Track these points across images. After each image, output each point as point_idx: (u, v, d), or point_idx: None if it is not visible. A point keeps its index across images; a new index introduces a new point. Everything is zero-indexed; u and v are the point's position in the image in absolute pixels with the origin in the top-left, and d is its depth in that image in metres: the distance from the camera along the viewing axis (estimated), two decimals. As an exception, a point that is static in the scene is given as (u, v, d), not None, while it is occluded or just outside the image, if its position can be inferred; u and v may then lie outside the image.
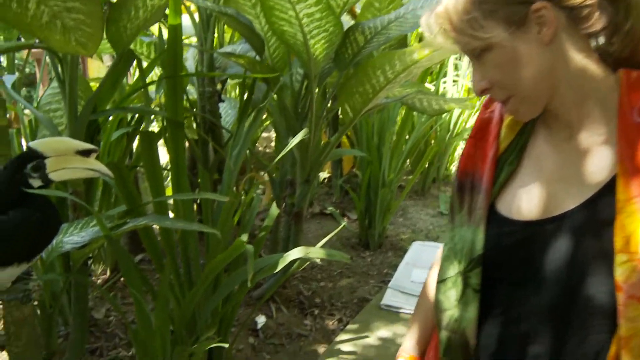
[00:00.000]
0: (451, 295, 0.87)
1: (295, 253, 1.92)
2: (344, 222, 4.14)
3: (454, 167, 5.62)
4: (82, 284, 1.95)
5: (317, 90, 2.58)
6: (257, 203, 2.13)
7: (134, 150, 2.98)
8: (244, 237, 2.12)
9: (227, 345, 1.77)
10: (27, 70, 6.03)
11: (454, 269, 0.86)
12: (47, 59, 2.41)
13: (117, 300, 2.84)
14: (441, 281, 0.89)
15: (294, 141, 1.92)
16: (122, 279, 3.06)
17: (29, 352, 1.66)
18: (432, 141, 5.00)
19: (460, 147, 5.45)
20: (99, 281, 3.05)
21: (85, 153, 1.39)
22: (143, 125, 2.74)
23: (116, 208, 2.59)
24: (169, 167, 1.95)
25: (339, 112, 3.44)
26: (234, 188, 2.10)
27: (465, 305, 0.85)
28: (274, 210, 2.11)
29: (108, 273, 3.10)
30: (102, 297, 2.85)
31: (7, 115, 1.63)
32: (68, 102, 1.90)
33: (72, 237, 1.77)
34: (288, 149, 1.94)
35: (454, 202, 0.91)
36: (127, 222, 1.76)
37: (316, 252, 1.95)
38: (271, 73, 2.39)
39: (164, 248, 1.99)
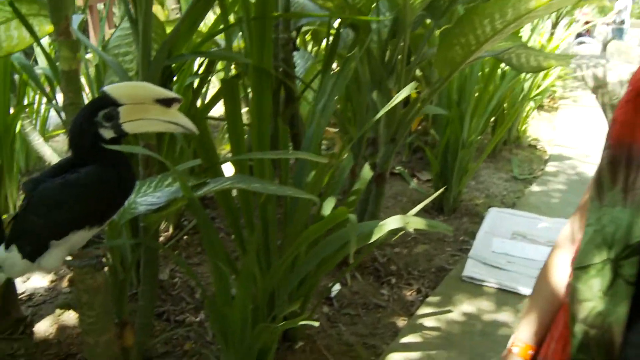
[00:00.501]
0: (594, 285, 0.77)
1: (392, 222, 1.68)
2: (413, 183, 3.88)
3: (524, 129, 5.29)
4: (153, 248, 1.76)
5: (408, 39, 2.29)
6: (349, 165, 1.89)
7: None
8: (331, 202, 1.90)
9: (317, 324, 1.57)
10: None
11: (600, 256, 0.77)
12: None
13: (180, 259, 2.69)
14: (581, 267, 0.79)
15: (400, 96, 1.65)
16: (185, 237, 2.90)
17: (101, 321, 1.49)
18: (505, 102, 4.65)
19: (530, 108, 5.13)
20: (161, 239, 2.90)
21: (166, 102, 1.21)
22: (222, 74, 2.52)
23: (187, 162, 2.42)
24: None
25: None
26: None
27: (613, 298, 0.75)
28: (367, 172, 1.87)
29: (171, 230, 2.95)
30: (166, 256, 2.69)
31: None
32: (141, 45, 1.67)
33: (146, 198, 1.58)
34: (392, 105, 1.67)
35: (603, 177, 0.80)
36: (207, 182, 1.56)
37: (416, 222, 1.70)
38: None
39: (243, 212, 1.79)
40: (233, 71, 2.77)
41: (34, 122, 3.52)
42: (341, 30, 2.36)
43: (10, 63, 2.41)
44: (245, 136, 1.85)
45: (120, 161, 1.26)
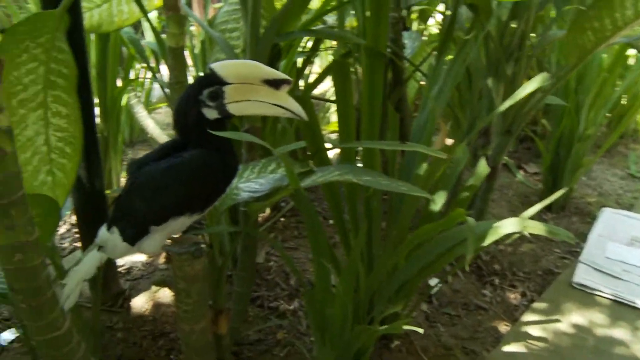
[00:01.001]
0: None
1: (509, 225, 1.51)
2: (520, 175, 3.62)
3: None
4: (253, 235, 1.69)
5: (532, 21, 2.07)
6: (464, 159, 1.72)
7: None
8: (441, 197, 1.75)
9: (421, 330, 1.44)
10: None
11: None
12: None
13: (277, 243, 2.63)
14: None
15: (528, 87, 1.46)
16: (282, 219, 2.85)
17: (197, 309, 1.43)
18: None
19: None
20: (259, 219, 2.85)
21: (275, 84, 1.13)
22: (326, 52, 2.43)
23: (290, 145, 2.35)
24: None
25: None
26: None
27: None
28: (483, 167, 1.69)
29: (268, 211, 2.89)
30: (262, 238, 2.64)
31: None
32: (250, 21, 1.59)
33: (249, 184, 1.50)
34: (518, 95, 1.48)
35: None
36: (314, 170, 1.46)
37: (534, 227, 1.52)
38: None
39: (347, 203, 1.68)
40: (340, 51, 2.66)
41: (139, 94, 3.58)
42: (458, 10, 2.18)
43: (119, 37, 2.41)
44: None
45: (225, 145, 1.19)
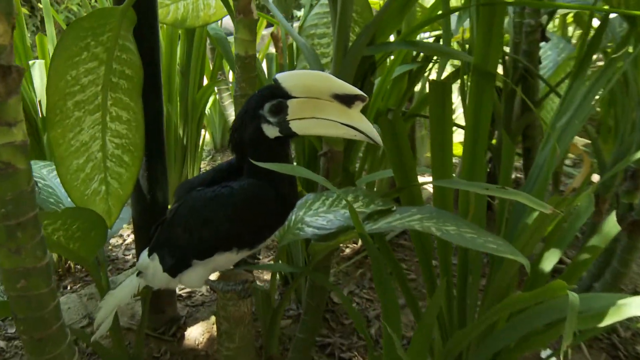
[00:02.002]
0: None
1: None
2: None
3: None
4: (322, 277, 1.70)
5: None
6: (588, 210, 1.61)
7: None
8: (554, 255, 1.66)
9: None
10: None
11: None
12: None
13: (364, 281, 2.62)
14: None
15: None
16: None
17: (240, 356, 1.46)
18: None
19: None
20: (346, 250, 2.86)
21: (347, 100, 1.15)
22: (432, 65, 2.41)
23: (374, 174, 2.35)
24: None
25: None
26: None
27: None
28: (612, 225, 1.57)
29: (360, 242, 2.89)
30: (348, 273, 2.65)
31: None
32: (338, 27, 1.59)
33: (317, 219, 1.51)
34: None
35: None
36: (393, 209, 1.44)
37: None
38: None
39: (438, 252, 1.65)
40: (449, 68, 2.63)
41: (232, 94, 3.73)
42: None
43: (206, 33, 2.52)
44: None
45: (281, 174, 1.21)
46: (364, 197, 1.60)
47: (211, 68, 3.10)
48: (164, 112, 1.94)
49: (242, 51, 1.39)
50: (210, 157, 4.30)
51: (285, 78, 1.16)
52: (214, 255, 1.27)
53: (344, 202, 1.57)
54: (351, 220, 1.46)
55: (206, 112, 3.65)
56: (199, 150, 2.96)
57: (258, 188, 1.20)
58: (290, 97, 1.16)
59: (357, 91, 1.14)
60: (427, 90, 2.07)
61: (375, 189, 2.82)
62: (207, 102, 2.84)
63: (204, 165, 4.01)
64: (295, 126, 1.17)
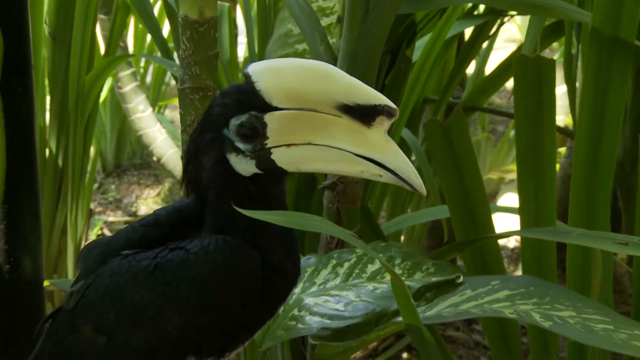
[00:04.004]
0: None
1: None
2: None
3: None
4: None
5: None
6: None
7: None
8: None
9: None
10: None
11: None
12: None
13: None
14: None
15: None
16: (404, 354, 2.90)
17: None
18: None
19: None
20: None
21: (364, 114, 1.15)
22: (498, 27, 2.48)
23: (408, 218, 2.38)
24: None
25: None
26: None
27: None
28: None
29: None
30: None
31: None
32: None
33: (326, 300, 1.54)
34: None
35: None
36: (461, 281, 1.47)
37: None
38: None
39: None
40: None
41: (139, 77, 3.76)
42: None
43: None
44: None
45: (270, 228, 1.22)
46: (402, 259, 1.63)
47: (104, 32, 3.12)
48: (34, 117, 1.95)
49: (193, 12, 1.41)
50: (97, 185, 4.31)
51: (261, 73, 1.18)
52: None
53: (369, 269, 1.60)
54: (386, 300, 1.49)
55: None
56: (86, 176, 2.96)
57: (233, 251, 1.21)
58: (271, 107, 1.17)
59: (380, 99, 1.14)
60: (483, 69, 2.12)
61: (402, 241, 2.86)
62: (100, 92, 2.84)
63: (94, 206, 4.02)
64: (281, 157, 1.18)
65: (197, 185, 1.25)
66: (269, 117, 1.16)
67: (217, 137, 1.20)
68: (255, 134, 1.17)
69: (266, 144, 1.17)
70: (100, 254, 1.32)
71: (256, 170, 1.19)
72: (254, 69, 1.17)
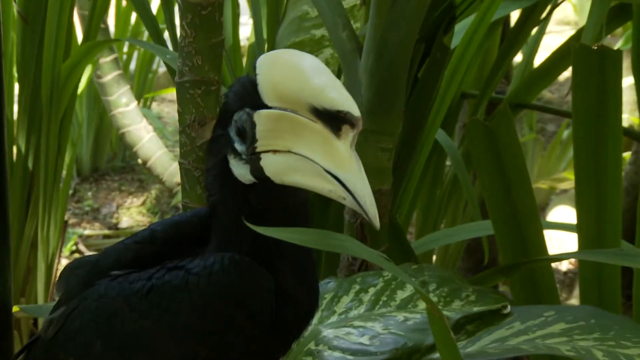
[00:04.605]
0: None
1: None
2: None
3: None
4: None
5: None
6: None
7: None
8: None
9: None
10: None
11: None
12: None
13: None
14: None
15: None
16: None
17: None
18: None
19: None
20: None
21: (332, 120, 1.14)
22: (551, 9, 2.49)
23: (440, 236, 2.38)
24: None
25: None
26: None
27: None
28: None
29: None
30: None
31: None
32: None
33: (348, 333, 1.55)
34: None
35: None
36: (507, 312, 1.48)
37: None
38: None
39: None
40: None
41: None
42: None
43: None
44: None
45: (284, 247, 1.23)
46: (438, 284, 1.64)
47: (82, 12, 3.13)
48: (2, 110, 1.96)
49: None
50: (71, 192, 4.28)
51: (261, 64, 1.19)
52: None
53: (399, 296, 1.60)
54: (419, 333, 1.50)
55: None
56: (61, 181, 2.97)
57: (241, 272, 1.22)
58: (263, 105, 1.18)
59: (342, 104, 1.14)
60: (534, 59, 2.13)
61: (434, 261, 2.87)
62: (78, 82, 2.85)
63: (68, 216, 4.01)
64: (268, 165, 1.19)
65: (208, 187, 1.27)
66: (257, 116, 1.18)
67: (222, 134, 1.22)
68: (245, 133, 1.19)
69: (256, 148, 1.19)
70: (85, 274, 1.34)
71: (251, 178, 1.20)
72: (260, 59, 1.20)
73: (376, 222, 1.16)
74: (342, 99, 1.14)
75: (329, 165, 1.14)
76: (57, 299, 1.42)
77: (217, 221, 1.26)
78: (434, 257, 2.92)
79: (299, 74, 1.17)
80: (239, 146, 1.20)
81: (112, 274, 1.29)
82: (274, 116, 1.17)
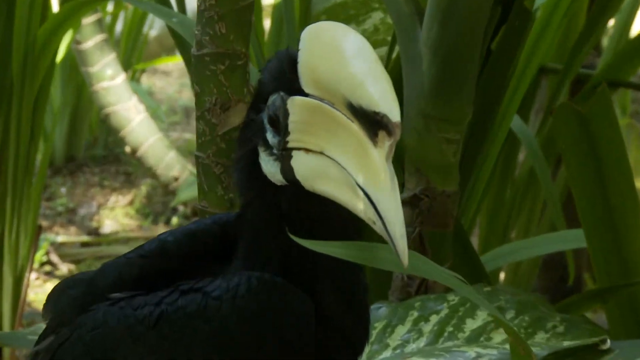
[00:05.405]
0: None
1: None
2: None
3: None
4: None
5: None
6: None
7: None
8: None
9: None
10: None
11: None
12: None
13: None
14: None
15: None
16: None
17: None
18: None
19: None
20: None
21: (369, 122, 1.13)
22: None
23: (515, 249, 2.38)
24: None
25: None
26: None
27: None
28: None
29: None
30: None
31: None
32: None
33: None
34: None
35: None
36: (606, 348, 1.48)
37: None
38: None
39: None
40: None
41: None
42: None
43: None
44: None
45: (325, 263, 1.24)
46: (517, 311, 1.64)
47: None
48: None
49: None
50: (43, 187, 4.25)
51: (305, 38, 1.19)
52: None
53: (468, 326, 1.61)
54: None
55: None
56: (34, 175, 2.99)
57: (271, 294, 1.23)
58: (299, 91, 1.18)
59: (381, 104, 1.13)
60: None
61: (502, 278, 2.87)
62: (57, 52, 2.87)
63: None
64: (299, 166, 1.19)
65: (238, 185, 1.29)
66: (291, 103, 1.18)
67: (255, 120, 1.23)
68: (278, 122, 1.20)
69: (287, 142, 1.19)
70: (79, 296, 1.34)
71: (281, 179, 1.21)
72: (306, 30, 1.20)
73: (404, 259, 1.10)
74: (380, 97, 1.13)
75: (360, 177, 1.13)
76: (35, 324, 1.42)
77: (246, 230, 1.26)
78: (502, 274, 2.90)
79: (338, 57, 1.16)
80: (271, 137, 1.20)
81: (112, 297, 1.29)
82: (310, 106, 1.17)
